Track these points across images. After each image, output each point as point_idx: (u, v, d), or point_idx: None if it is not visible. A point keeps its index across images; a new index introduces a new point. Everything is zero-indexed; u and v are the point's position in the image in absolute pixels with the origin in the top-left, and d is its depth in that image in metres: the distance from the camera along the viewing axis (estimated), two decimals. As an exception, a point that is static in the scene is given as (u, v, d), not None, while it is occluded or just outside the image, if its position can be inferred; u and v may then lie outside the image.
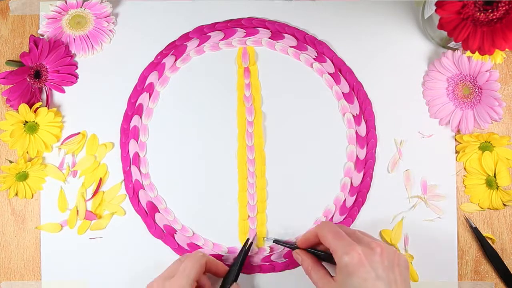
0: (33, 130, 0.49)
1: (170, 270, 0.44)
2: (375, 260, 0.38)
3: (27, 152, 0.50)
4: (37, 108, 0.49)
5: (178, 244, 0.50)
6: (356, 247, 0.39)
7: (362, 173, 0.50)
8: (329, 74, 0.51)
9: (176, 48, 0.51)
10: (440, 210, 0.50)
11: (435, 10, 0.39)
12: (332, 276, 0.41)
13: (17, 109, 0.48)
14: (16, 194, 0.50)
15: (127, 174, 0.51)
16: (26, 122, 0.49)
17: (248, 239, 0.49)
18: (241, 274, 0.49)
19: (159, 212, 0.51)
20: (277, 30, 0.51)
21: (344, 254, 0.38)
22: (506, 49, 0.40)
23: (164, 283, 0.41)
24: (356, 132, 0.51)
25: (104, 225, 0.50)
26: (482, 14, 0.38)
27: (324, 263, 0.44)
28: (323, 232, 0.42)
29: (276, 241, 0.49)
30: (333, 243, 0.40)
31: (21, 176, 0.50)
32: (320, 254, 0.45)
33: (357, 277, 0.37)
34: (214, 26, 0.51)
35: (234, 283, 0.46)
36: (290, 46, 0.51)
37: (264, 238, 0.50)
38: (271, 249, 0.50)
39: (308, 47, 0.51)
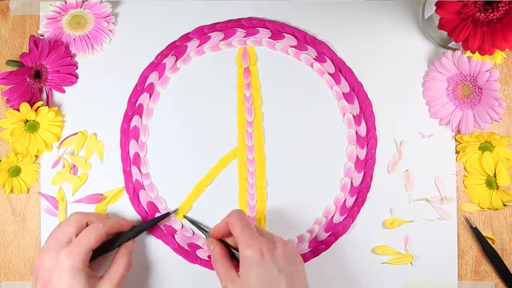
0: (33, 129, 0.49)
1: (62, 232, 0.42)
2: (277, 254, 0.39)
3: (27, 151, 0.50)
4: (38, 107, 0.49)
5: (178, 244, 0.50)
6: (259, 240, 0.39)
7: (362, 173, 0.50)
8: (329, 74, 0.51)
9: (177, 49, 0.51)
10: (443, 211, 0.50)
11: (435, 10, 0.39)
12: (237, 270, 0.41)
13: (18, 109, 0.48)
14: (12, 191, 0.50)
15: (127, 174, 0.51)
16: (27, 121, 0.49)
17: (168, 213, 0.49)
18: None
19: (160, 212, 0.51)
20: (277, 30, 0.51)
21: (247, 247, 0.39)
22: (506, 49, 0.40)
23: (59, 251, 0.40)
24: (356, 132, 0.51)
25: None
26: (482, 14, 0.38)
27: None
28: (233, 221, 0.41)
29: (192, 221, 0.49)
30: (239, 234, 0.40)
31: (13, 171, 0.50)
32: (230, 247, 0.44)
33: (260, 269, 0.38)
34: (214, 27, 0.51)
35: (131, 240, 0.46)
36: (290, 46, 0.51)
37: (184, 215, 0.50)
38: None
39: (308, 47, 0.51)
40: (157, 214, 0.50)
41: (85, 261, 0.41)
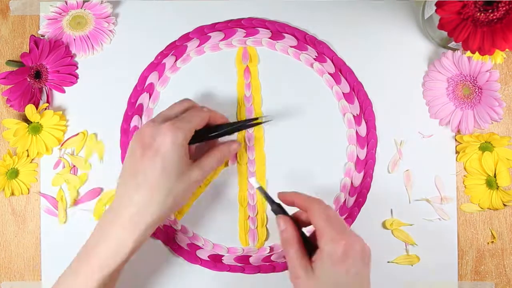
0: (36, 131, 0.49)
1: (171, 109, 0.43)
2: (356, 254, 0.38)
3: (26, 152, 0.50)
4: (43, 109, 0.49)
5: (178, 244, 0.50)
6: (346, 236, 0.38)
7: (362, 173, 0.50)
8: (330, 74, 0.51)
9: (177, 48, 0.51)
10: (443, 211, 0.50)
11: (435, 10, 0.39)
12: (309, 259, 0.39)
13: (18, 109, 0.48)
14: (13, 193, 0.50)
15: (127, 174, 0.51)
16: (30, 122, 0.49)
17: (257, 118, 0.48)
18: (241, 274, 0.50)
19: (159, 212, 0.51)
20: (277, 30, 0.51)
21: (332, 241, 0.37)
22: (506, 49, 0.40)
23: (162, 122, 0.40)
24: (357, 132, 0.51)
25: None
26: (482, 14, 0.38)
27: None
28: (315, 211, 0.39)
29: (261, 189, 0.43)
30: (323, 226, 0.38)
31: (11, 173, 0.50)
32: (302, 231, 0.41)
33: (340, 268, 0.37)
34: (214, 27, 0.51)
35: (235, 143, 0.47)
36: (291, 46, 0.51)
37: (250, 179, 0.45)
38: (271, 249, 0.50)
39: (309, 47, 0.51)
40: None
41: (185, 137, 0.40)
